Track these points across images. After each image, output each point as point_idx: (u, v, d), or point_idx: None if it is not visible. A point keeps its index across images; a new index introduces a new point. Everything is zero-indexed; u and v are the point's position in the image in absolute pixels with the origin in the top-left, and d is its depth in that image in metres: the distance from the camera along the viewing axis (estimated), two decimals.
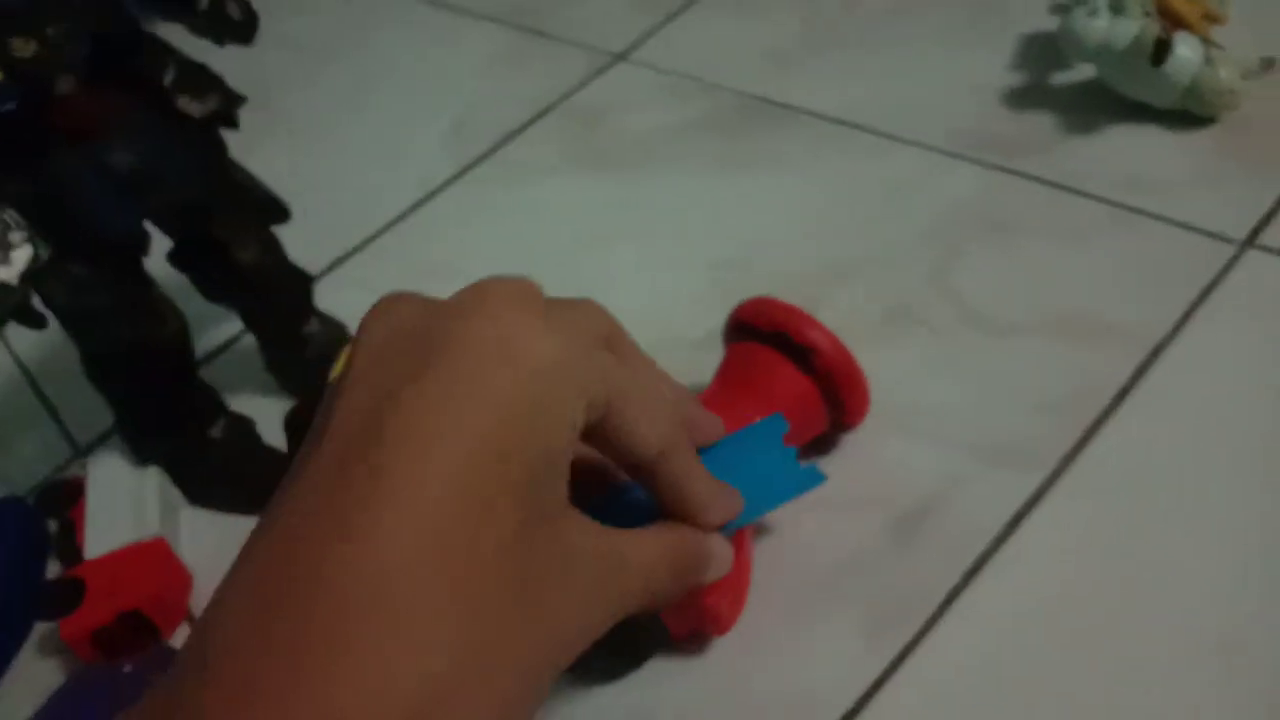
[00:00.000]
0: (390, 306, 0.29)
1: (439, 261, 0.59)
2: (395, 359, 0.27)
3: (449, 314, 0.28)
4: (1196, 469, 0.40)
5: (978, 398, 0.44)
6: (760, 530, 0.42)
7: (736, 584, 0.39)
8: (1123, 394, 0.43)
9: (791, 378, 0.41)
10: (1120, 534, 0.39)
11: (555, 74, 0.68)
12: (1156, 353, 0.44)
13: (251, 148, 0.48)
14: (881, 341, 0.47)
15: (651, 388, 0.31)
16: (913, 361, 0.46)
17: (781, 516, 0.42)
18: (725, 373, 0.42)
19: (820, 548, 0.41)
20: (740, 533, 0.39)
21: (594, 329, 0.30)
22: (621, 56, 0.68)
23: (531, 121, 0.66)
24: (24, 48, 0.38)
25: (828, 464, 0.43)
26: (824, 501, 0.42)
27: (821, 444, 0.44)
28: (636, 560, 0.30)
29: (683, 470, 0.31)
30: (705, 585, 0.33)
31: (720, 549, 0.33)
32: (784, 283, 0.51)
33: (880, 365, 0.46)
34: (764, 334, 0.41)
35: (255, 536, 0.26)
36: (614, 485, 0.33)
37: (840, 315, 0.49)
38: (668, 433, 0.30)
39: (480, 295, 0.28)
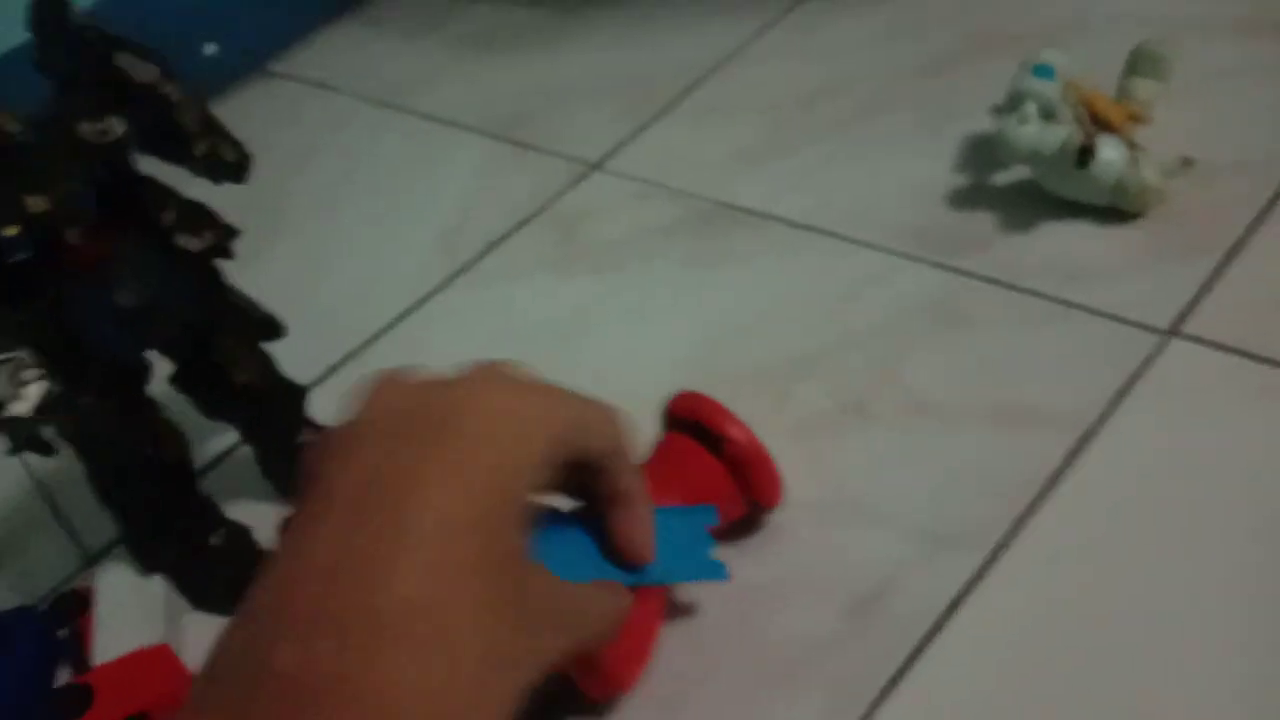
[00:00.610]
0: (390, 385, 0.34)
1: (430, 367, 0.62)
2: (399, 429, 0.32)
3: (443, 391, 0.33)
4: (1126, 548, 0.43)
5: (925, 484, 0.47)
6: (721, 614, 0.45)
7: (640, 644, 0.42)
8: (1055, 479, 0.46)
9: (708, 465, 0.45)
10: (1055, 612, 0.42)
11: (537, 183, 0.73)
12: (1087, 439, 0.47)
13: (245, 258, 0.51)
14: (837, 432, 0.51)
15: (589, 405, 0.37)
16: (866, 451, 0.49)
17: (742, 601, 0.45)
18: (654, 458, 0.46)
19: (779, 632, 0.44)
20: (654, 597, 0.43)
21: (570, 395, 0.36)
22: (597, 166, 0.73)
23: (515, 229, 0.70)
24: (37, 204, 0.43)
25: (786, 549, 0.47)
26: (782, 585, 0.45)
27: (770, 532, 0.47)
28: (585, 611, 0.36)
29: (645, 511, 0.39)
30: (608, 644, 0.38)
31: (626, 601, 0.39)
32: (746, 378, 0.55)
33: (836, 455, 0.50)
34: (686, 424, 0.46)
35: (279, 575, 0.31)
36: (552, 525, 0.38)
37: (799, 408, 0.52)
38: (611, 433, 0.37)
39: (471, 376, 0.34)
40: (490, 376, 0.34)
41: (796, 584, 0.45)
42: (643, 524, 0.39)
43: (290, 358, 0.54)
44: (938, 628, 0.42)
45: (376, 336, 0.66)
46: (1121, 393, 0.48)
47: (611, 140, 0.74)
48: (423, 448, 0.32)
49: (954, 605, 0.43)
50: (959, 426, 0.49)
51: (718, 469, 0.45)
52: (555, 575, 0.35)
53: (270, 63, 0.97)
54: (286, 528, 0.32)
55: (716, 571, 0.41)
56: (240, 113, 0.91)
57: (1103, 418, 0.47)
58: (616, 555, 0.39)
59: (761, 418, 0.52)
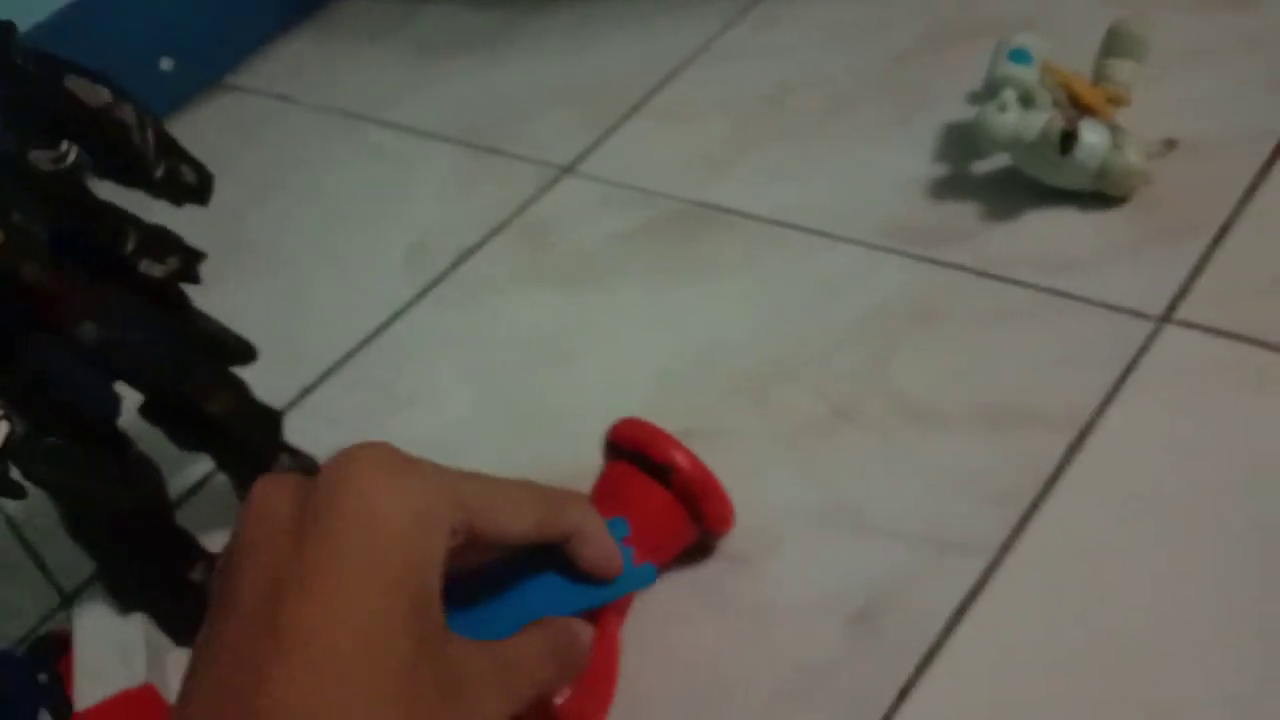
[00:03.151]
0: (266, 491, 0.33)
1: (404, 385, 0.61)
2: (282, 535, 0.32)
3: (321, 490, 0.32)
4: (1132, 543, 0.42)
5: (921, 488, 0.46)
6: (724, 632, 0.44)
7: (601, 684, 0.41)
8: (1055, 477, 0.45)
9: (654, 495, 0.44)
10: (1063, 615, 0.41)
11: (507, 190, 0.71)
12: (1084, 434, 0.46)
13: (212, 282, 0.50)
14: (826, 437, 0.50)
15: (506, 493, 0.36)
16: (857, 455, 0.48)
17: (744, 617, 0.44)
18: (598, 489, 0.45)
19: (783, 647, 0.43)
20: (609, 633, 0.42)
21: (444, 473, 0.34)
22: (568, 170, 0.71)
23: (486, 240, 0.68)
24: None
25: (784, 561, 0.45)
26: (782, 598, 0.44)
27: (769, 544, 0.46)
28: (520, 662, 0.35)
29: (603, 537, 0.38)
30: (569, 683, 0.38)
31: (585, 631, 0.38)
32: (729, 384, 0.54)
33: (827, 461, 0.49)
34: (629, 454, 0.44)
35: (184, 692, 0.30)
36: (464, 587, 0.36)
37: (786, 413, 0.51)
38: (535, 516, 0.36)
39: (345, 468, 0.33)
40: (363, 461, 0.33)
41: (797, 597, 0.44)
42: (606, 549, 0.39)
43: (262, 381, 0.52)
44: (945, 636, 0.41)
45: (349, 355, 0.64)
46: (1117, 384, 0.47)
47: (580, 144, 0.72)
48: (301, 548, 0.31)
49: (959, 612, 0.42)
50: (951, 427, 0.48)
51: (665, 498, 0.44)
52: (475, 639, 0.34)
53: (227, 76, 0.95)
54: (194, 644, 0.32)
55: (646, 577, 0.40)
56: (198, 128, 0.90)
57: (1099, 411, 0.46)
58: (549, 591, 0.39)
59: (747, 424, 0.51)
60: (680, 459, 0.43)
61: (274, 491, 0.33)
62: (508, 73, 0.82)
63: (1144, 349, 0.48)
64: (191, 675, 0.31)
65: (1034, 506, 0.44)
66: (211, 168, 0.48)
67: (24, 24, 0.79)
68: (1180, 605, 0.40)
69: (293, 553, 0.31)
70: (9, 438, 0.41)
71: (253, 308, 0.54)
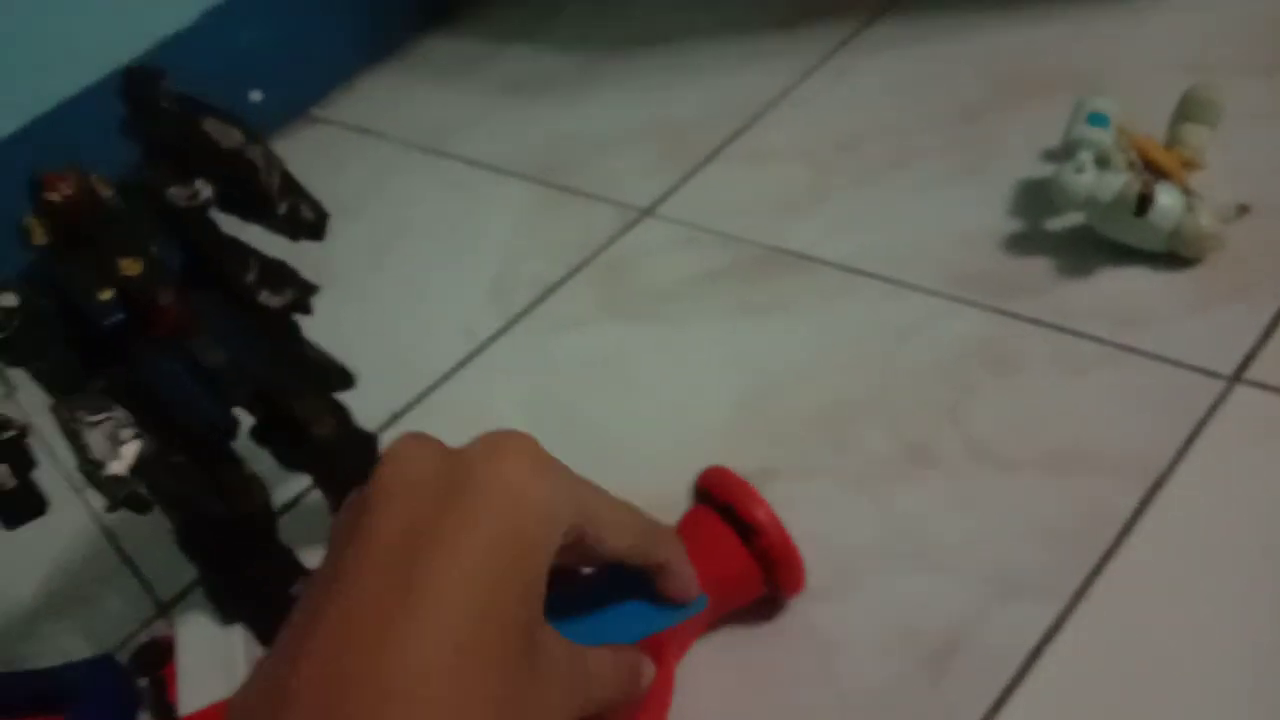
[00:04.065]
0: (412, 449, 0.35)
1: (489, 414, 0.63)
2: (424, 490, 0.34)
3: (465, 460, 0.35)
4: (1205, 596, 0.43)
5: (992, 532, 0.48)
6: (796, 667, 0.46)
7: (657, 711, 0.43)
8: (1129, 525, 0.46)
9: (734, 550, 0.45)
10: (1136, 661, 0.42)
11: (587, 228, 0.74)
12: (1158, 484, 0.47)
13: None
14: (898, 480, 0.51)
15: (615, 511, 0.39)
16: (929, 498, 0.50)
17: (815, 653, 0.46)
18: (681, 528, 0.47)
19: (855, 684, 0.44)
20: (667, 665, 0.44)
21: (573, 477, 0.37)
22: (648, 211, 0.74)
23: (567, 276, 0.71)
24: (131, 267, 0.44)
25: (856, 599, 0.47)
26: (855, 636, 0.46)
27: (844, 582, 0.47)
28: (593, 672, 0.38)
29: (686, 569, 0.42)
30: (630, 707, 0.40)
31: (649, 668, 0.41)
32: (802, 424, 0.56)
33: (898, 503, 0.51)
34: (716, 503, 0.46)
35: (302, 613, 0.33)
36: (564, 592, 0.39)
37: (857, 454, 0.53)
38: (633, 540, 0.39)
39: (490, 446, 0.35)
40: (511, 449, 0.35)
41: (869, 635, 0.46)
42: (688, 582, 0.42)
43: (352, 407, 0.55)
44: (1018, 681, 0.43)
45: (437, 383, 0.67)
46: (1188, 440, 0.49)
47: (660, 186, 0.75)
48: (443, 512, 0.33)
49: (1032, 657, 0.43)
50: (1024, 473, 0.50)
51: (743, 555, 0.45)
52: (567, 639, 0.37)
53: (313, 108, 0.99)
54: (309, 583, 0.34)
55: (700, 604, 0.43)
56: (285, 158, 0.93)
57: (1171, 466, 0.48)
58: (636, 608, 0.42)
59: (820, 463, 0.53)
60: (765, 520, 0.45)
61: (418, 450, 0.35)
62: (589, 114, 0.85)
63: (1215, 407, 0.50)
64: (309, 601, 0.33)
65: (1107, 555, 0.46)
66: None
67: (122, 58, 0.84)
68: (1254, 659, 0.41)
69: (434, 512, 0.33)
70: (141, 454, 0.43)
71: (344, 335, 0.56)
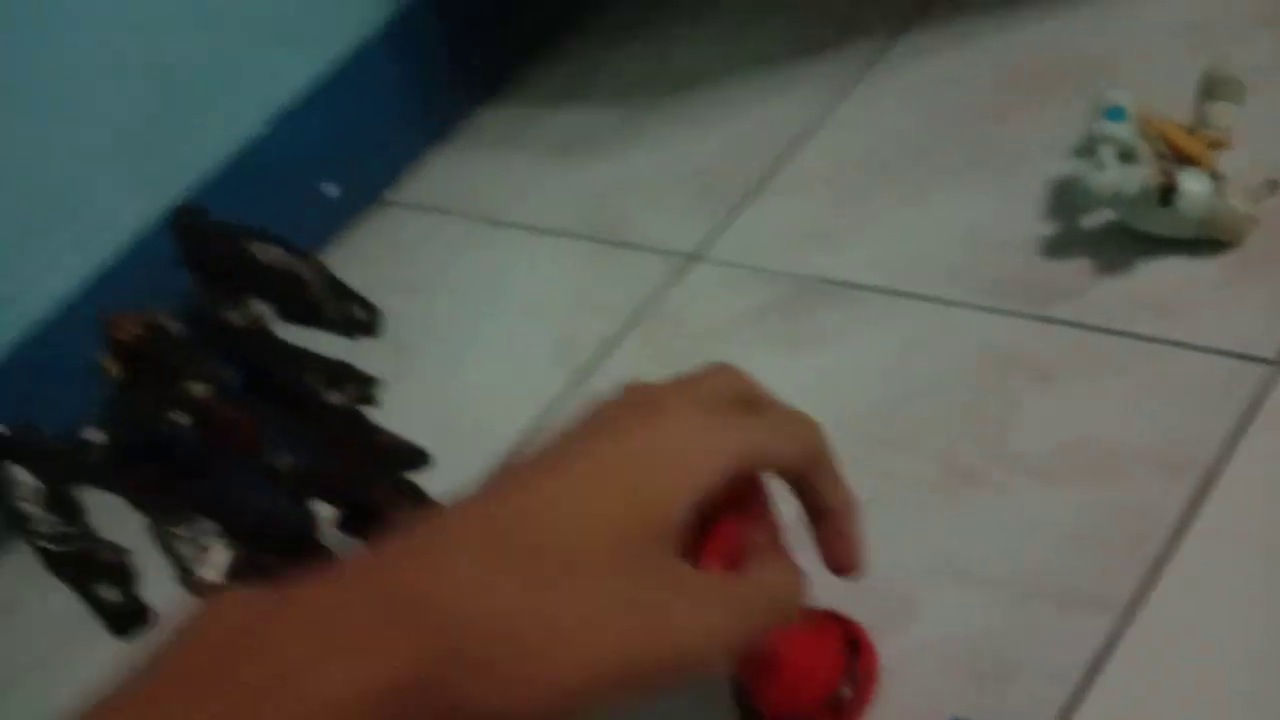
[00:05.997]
0: (630, 388, 0.42)
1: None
2: (615, 413, 0.40)
3: (643, 404, 0.40)
4: (1271, 594, 0.43)
5: (1045, 544, 0.48)
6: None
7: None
8: (1182, 528, 0.46)
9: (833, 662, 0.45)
10: (1200, 669, 0.42)
11: (639, 281, 0.76)
12: (1209, 482, 0.47)
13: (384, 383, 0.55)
14: (946, 498, 0.52)
15: (784, 425, 0.41)
16: (978, 515, 0.51)
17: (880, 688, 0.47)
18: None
19: (919, 710, 0.45)
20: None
21: (730, 397, 0.41)
22: (693, 256, 0.76)
23: (625, 331, 0.73)
24: (200, 390, 0.48)
25: (913, 619, 0.48)
26: (916, 662, 0.46)
27: (899, 608, 0.48)
28: (755, 593, 0.38)
29: (847, 525, 0.42)
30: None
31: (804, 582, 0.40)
32: (852, 447, 0.56)
33: (950, 521, 0.51)
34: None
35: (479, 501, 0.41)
36: None
37: (906, 476, 0.54)
38: (802, 452, 0.41)
39: (674, 392, 0.41)
40: (688, 400, 0.40)
41: (929, 654, 0.46)
42: (844, 538, 0.42)
43: (433, 480, 0.58)
44: (1080, 693, 0.43)
45: (508, 450, 0.69)
46: (1238, 430, 0.48)
47: (702, 230, 0.77)
48: (635, 419, 0.39)
49: (1093, 669, 0.43)
50: (1072, 482, 0.50)
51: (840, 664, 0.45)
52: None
53: (385, 192, 1.04)
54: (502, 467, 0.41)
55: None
56: (361, 245, 0.98)
57: (1221, 458, 0.47)
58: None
59: (872, 484, 0.54)
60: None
61: (636, 386, 0.42)
62: (633, 165, 0.88)
63: (1263, 392, 0.49)
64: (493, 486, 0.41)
65: (1163, 558, 0.45)
66: (373, 280, 0.55)
67: (201, 169, 0.90)
68: None
69: (623, 418, 0.39)
70: (234, 559, 0.47)
71: (417, 413, 0.60)
